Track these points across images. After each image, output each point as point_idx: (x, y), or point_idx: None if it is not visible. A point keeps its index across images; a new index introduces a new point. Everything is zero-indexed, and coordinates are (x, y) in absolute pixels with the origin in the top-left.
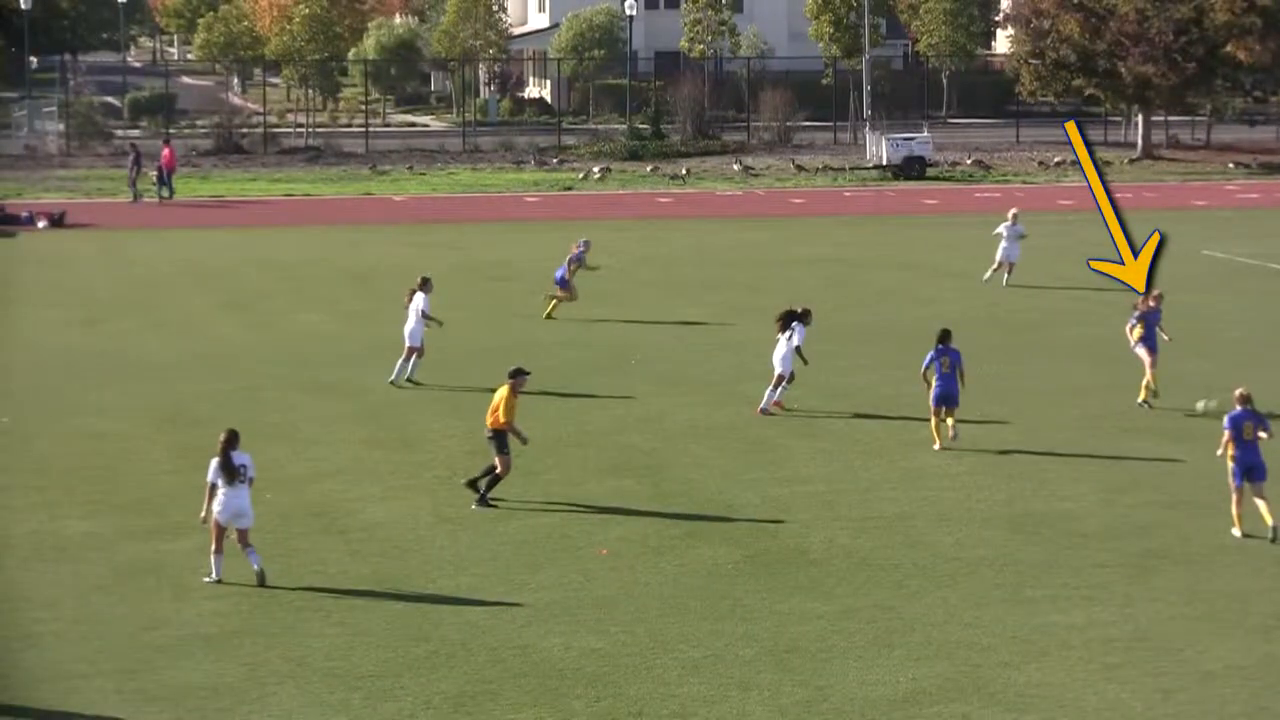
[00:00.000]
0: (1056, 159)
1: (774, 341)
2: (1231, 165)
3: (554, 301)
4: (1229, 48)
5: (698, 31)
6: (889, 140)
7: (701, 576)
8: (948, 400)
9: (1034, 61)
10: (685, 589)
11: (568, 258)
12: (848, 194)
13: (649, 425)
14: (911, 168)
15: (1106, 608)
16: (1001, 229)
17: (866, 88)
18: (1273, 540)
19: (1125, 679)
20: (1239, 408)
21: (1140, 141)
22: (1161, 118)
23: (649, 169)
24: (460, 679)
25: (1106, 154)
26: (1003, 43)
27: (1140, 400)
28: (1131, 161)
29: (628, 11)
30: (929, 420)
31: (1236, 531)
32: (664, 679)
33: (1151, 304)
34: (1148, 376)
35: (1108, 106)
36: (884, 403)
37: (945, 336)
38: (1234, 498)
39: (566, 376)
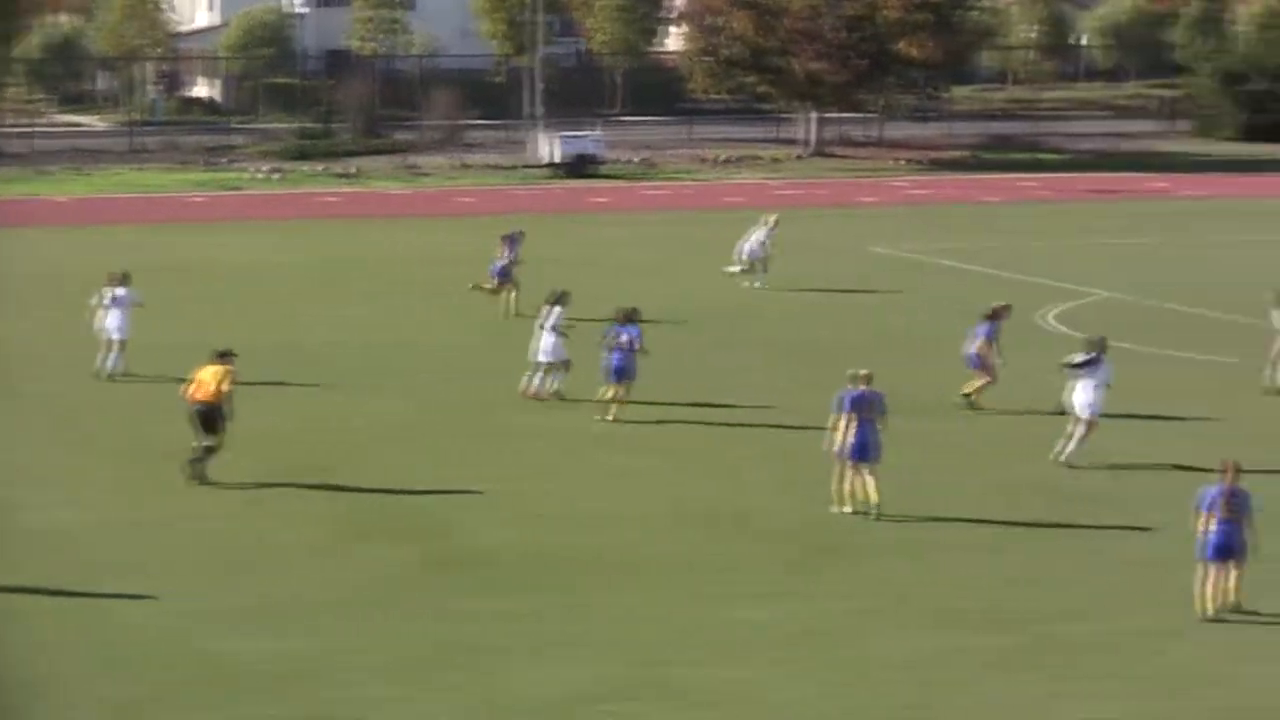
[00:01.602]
0: (723, 156)
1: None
2: (902, 162)
3: (508, 293)
4: (900, 45)
5: (369, 29)
6: (560, 138)
7: (384, 577)
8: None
9: (706, 59)
10: (368, 590)
11: (503, 252)
12: (518, 192)
13: (329, 425)
14: (582, 166)
15: (784, 603)
16: (758, 234)
17: (539, 86)
18: (876, 518)
19: (802, 674)
20: (859, 388)
21: (812, 139)
22: (833, 115)
23: (320, 168)
24: (134, 685)
25: (778, 151)
26: (675, 40)
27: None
28: (802, 158)
29: (298, 9)
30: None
31: (836, 509)
32: (346, 681)
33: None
34: (978, 383)
35: (780, 104)
36: (581, 400)
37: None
38: (840, 473)
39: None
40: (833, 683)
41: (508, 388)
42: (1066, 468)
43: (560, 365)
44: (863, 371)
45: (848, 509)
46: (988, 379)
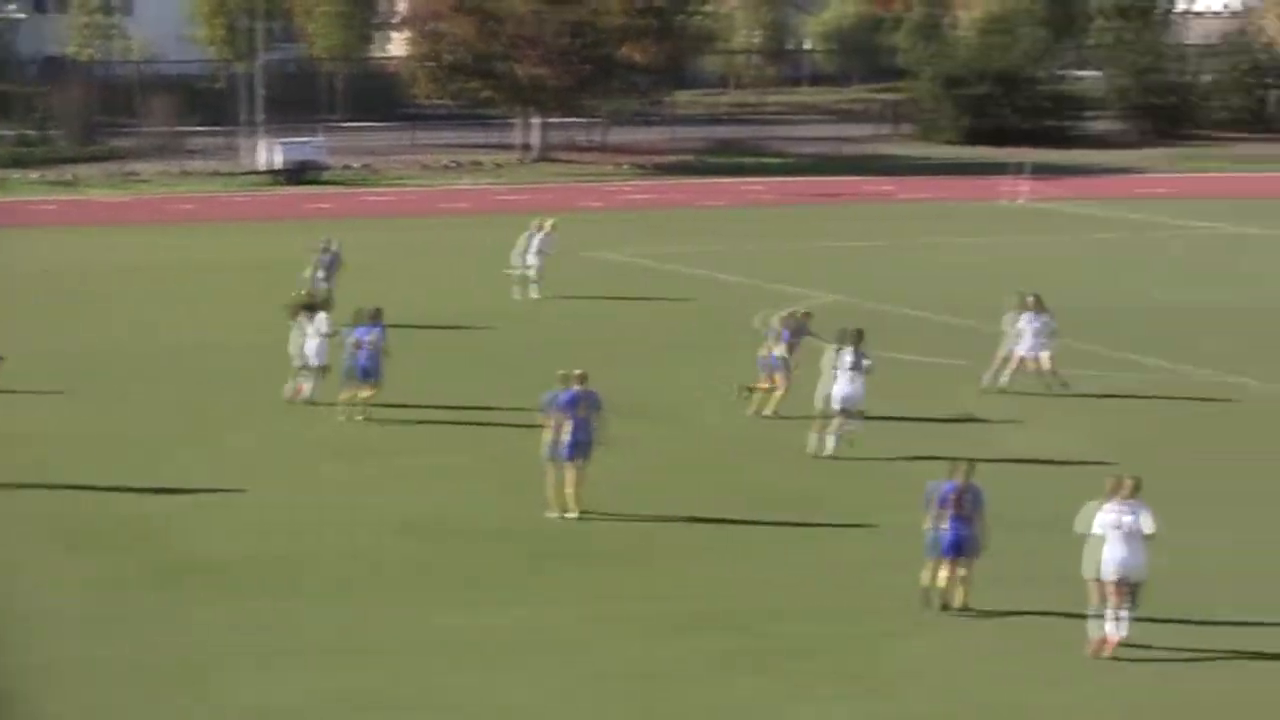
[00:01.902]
0: (446, 162)
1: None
2: (625, 166)
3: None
4: (623, 50)
5: (85, 35)
6: (281, 145)
7: (97, 590)
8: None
9: (429, 64)
10: (83, 604)
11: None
12: (239, 199)
13: (27, 438)
14: (304, 172)
15: (514, 609)
16: (534, 240)
17: (259, 92)
18: (578, 517)
19: (533, 679)
20: (573, 388)
21: (535, 144)
22: (557, 120)
23: (35, 176)
24: None
25: (501, 156)
26: (397, 46)
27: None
28: (525, 163)
29: (13, 15)
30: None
31: (551, 513)
32: (64, 696)
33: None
34: (780, 391)
35: (503, 109)
36: (294, 408)
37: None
38: (555, 475)
39: None
40: (565, 688)
41: (245, 394)
42: (821, 458)
43: (322, 370)
44: (576, 371)
45: (554, 514)
46: (782, 385)
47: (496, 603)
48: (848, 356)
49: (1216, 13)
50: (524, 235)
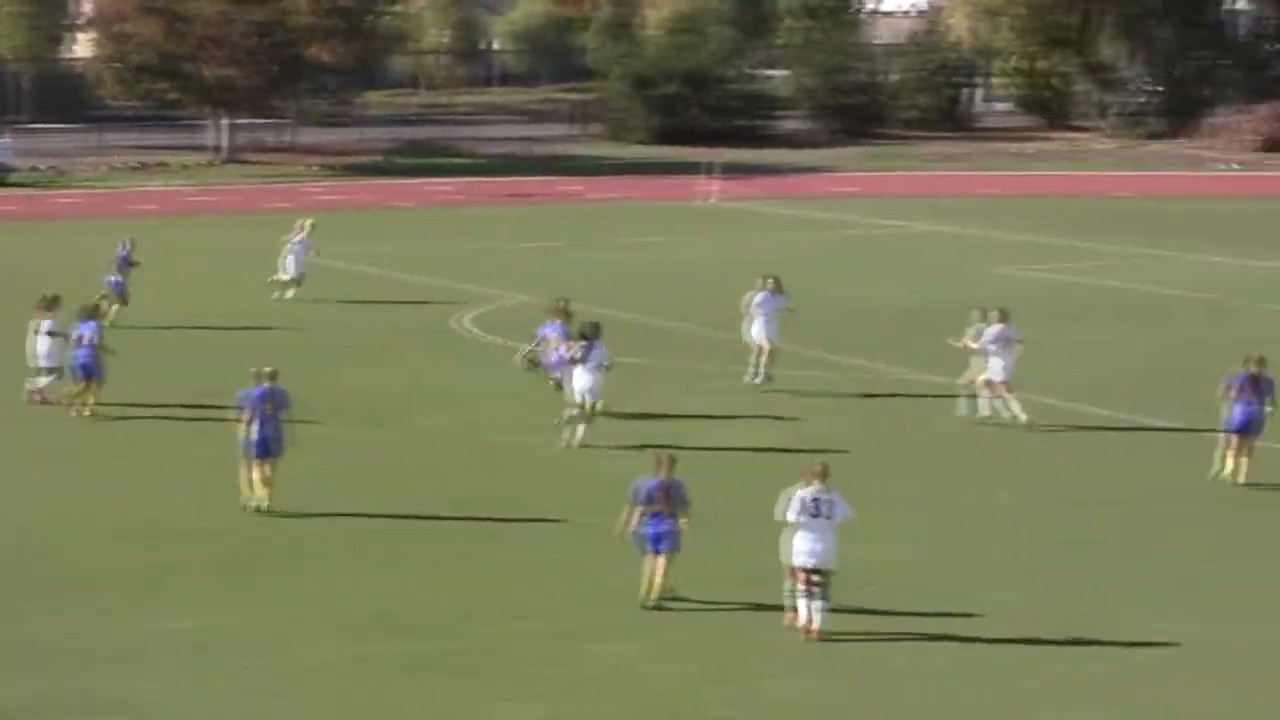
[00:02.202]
0: (135, 163)
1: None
2: (315, 167)
3: (114, 307)
4: (311, 50)
5: None
6: None
7: None
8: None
9: (115, 65)
10: None
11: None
12: None
13: None
14: None
15: (208, 612)
16: (296, 241)
17: None
18: (260, 511)
19: (225, 683)
20: (263, 385)
21: (224, 145)
22: (245, 121)
23: None
24: None
25: (190, 158)
26: (84, 46)
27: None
28: (214, 165)
29: None
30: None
31: (244, 500)
32: None
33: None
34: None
35: (191, 110)
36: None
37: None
38: (247, 471)
39: None
40: (256, 690)
41: None
42: (575, 448)
43: (53, 370)
44: (267, 369)
45: (252, 503)
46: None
47: (192, 605)
48: (590, 350)
49: (905, 12)
50: (290, 236)
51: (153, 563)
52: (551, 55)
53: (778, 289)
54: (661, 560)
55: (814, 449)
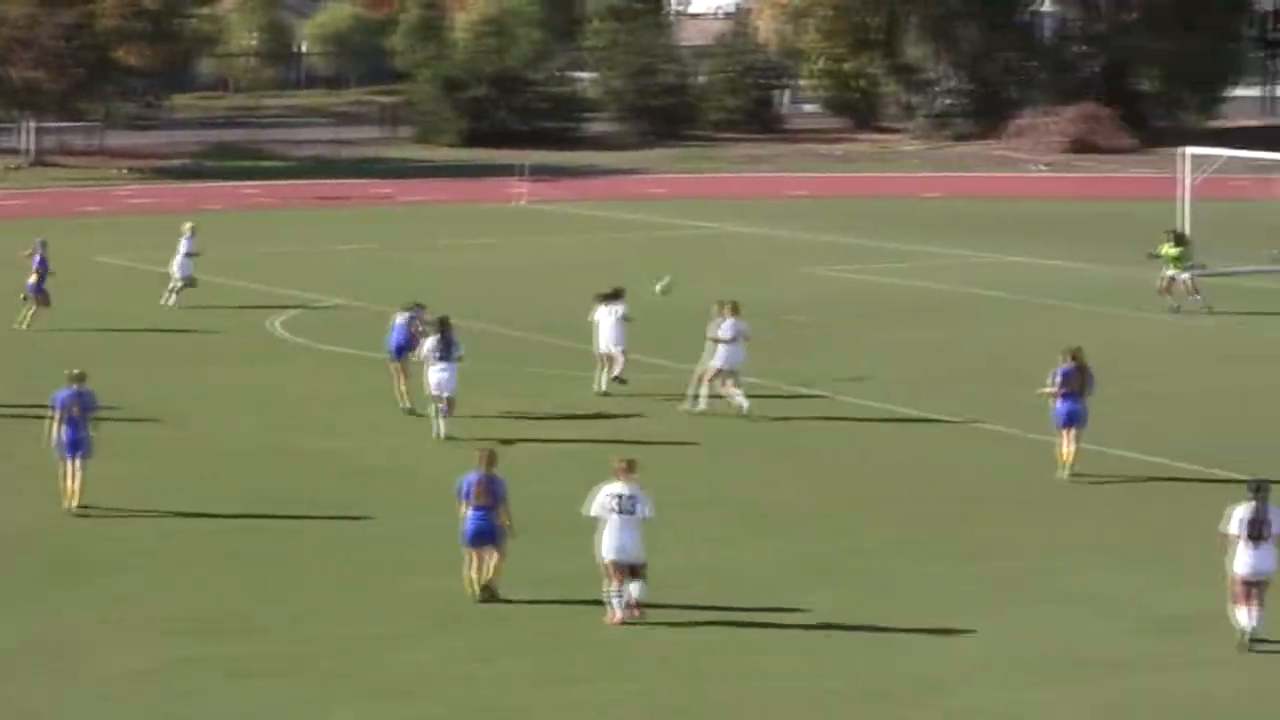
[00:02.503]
0: None
1: None
2: (124, 171)
3: (30, 312)
4: (119, 52)
5: None
6: None
7: None
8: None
9: None
10: None
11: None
12: None
13: None
14: None
15: (18, 617)
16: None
17: None
18: (77, 513)
19: (35, 688)
20: (72, 386)
21: (32, 148)
22: (53, 124)
23: None
24: None
25: None
26: None
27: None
28: (22, 168)
29: None
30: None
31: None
32: None
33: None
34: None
35: None
36: None
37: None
38: (62, 470)
39: None
40: (71, 694)
41: None
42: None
43: None
44: (75, 371)
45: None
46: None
47: (10, 610)
48: (443, 344)
49: (713, 14)
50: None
51: None
52: (360, 58)
53: (616, 297)
54: (482, 554)
55: (633, 443)
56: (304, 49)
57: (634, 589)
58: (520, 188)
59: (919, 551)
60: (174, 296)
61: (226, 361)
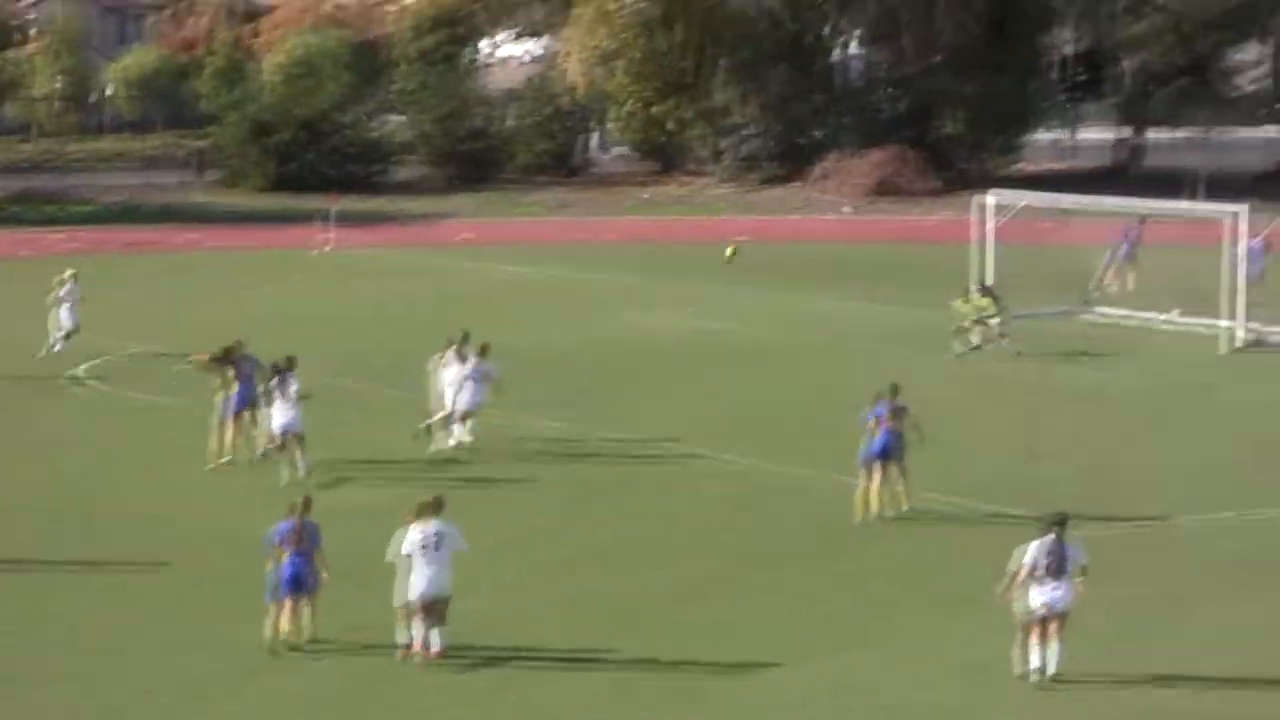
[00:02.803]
0: None
1: None
2: None
3: None
4: None
5: None
6: None
7: None
8: None
9: None
10: None
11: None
12: None
13: None
14: None
15: None
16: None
17: None
18: None
19: None
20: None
21: None
22: None
23: None
24: None
25: None
26: None
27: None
28: None
29: None
30: None
31: None
32: None
33: None
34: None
35: None
36: None
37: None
38: None
39: None
40: None
41: None
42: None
43: None
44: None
45: None
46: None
47: None
48: (285, 385)
49: (520, 59)
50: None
51: None
52: (165, 101)
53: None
54: (298, 603)
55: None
56: (109, 92)
57: (435, 637)
58: (327, 233)
59: (729, 592)
60: (59, 345)
61: (24, 410)
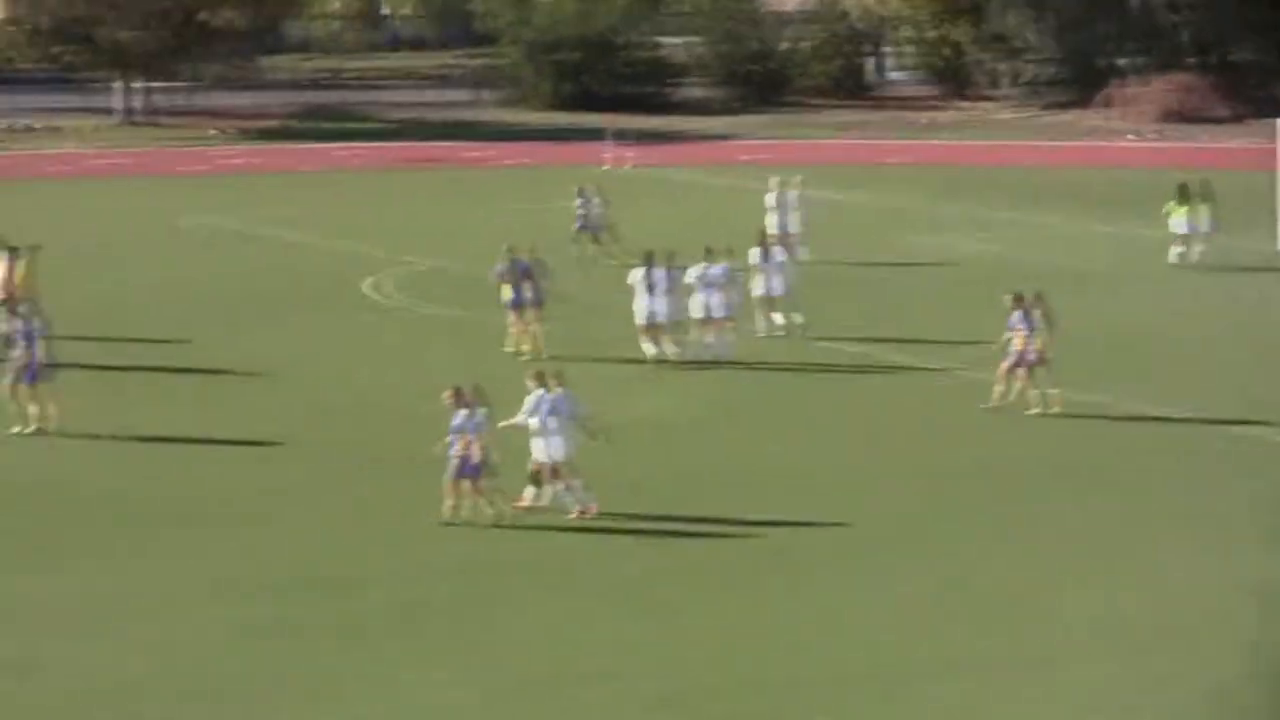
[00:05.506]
0: (37, 126)
1: None
2: (214, 131)
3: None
4: (208, 13)
5: None
6: None
7: None
8: None
9: (10, 28)
10: None
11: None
12: None
13: None
14: None
15: (109, 573)
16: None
17: None
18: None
19: (119, 644)
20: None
21: (125, 108)
22: (145, 84)
23: None
24: None
25: (89, 121)
26: None
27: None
28: (115, 128)
29: None
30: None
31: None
32: None
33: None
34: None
35: (91, 72)
36: None
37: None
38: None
39: None
40: (179, 652)
41: None
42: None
43: None
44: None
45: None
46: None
47: (84, 567)
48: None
49: None
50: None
51: (32, 525)
52: (447, 20)
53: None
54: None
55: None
56: (391, 11)
57: (584, 496)
58: (622, 151)
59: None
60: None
61: (319, 322)
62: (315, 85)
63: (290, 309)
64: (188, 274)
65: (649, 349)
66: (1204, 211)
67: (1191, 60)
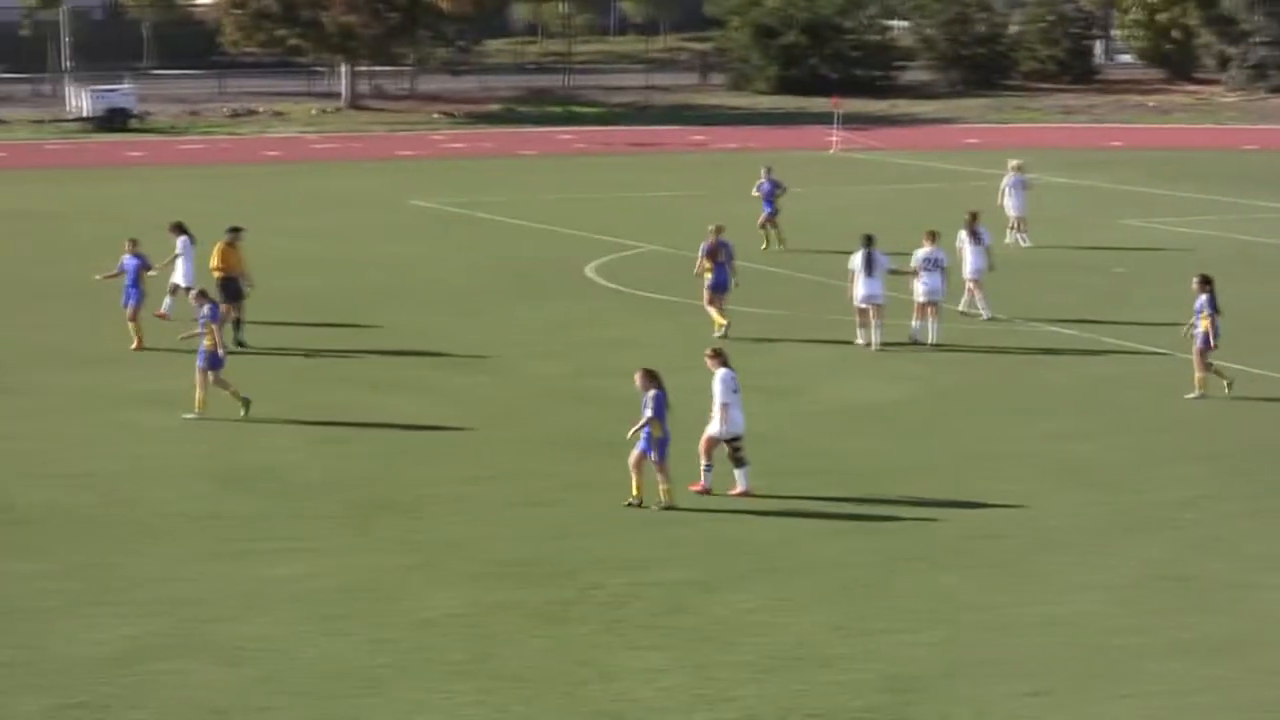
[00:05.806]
0: (261, 110)
1: None
2: (437, 115)
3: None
4: None
5: None
6: (90, 92)
7: None
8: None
9: (236, 12)
10: None
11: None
12: (52, 146)
13: None
14: (114, 120)
15: (325, 559)
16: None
17: (66, 39)
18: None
19: (344, 630)
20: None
21: (345, 92)
22: (368, 68)
23: None
24: None
25: (313, 105)
26: None
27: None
28: (337, 111)
29: None
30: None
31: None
32: None
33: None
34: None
35: (313, 57)
36: (83, 359)
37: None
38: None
39: None
40: (382, 637)
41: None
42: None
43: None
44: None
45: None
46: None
47: (312, 551)
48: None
49: None
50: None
51: (255, 509)
52: (672, 4)
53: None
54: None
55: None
56: None
57: (742, 476)
58: (836, 135)
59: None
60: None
61: (542, 307)
62: (538, 69)
63: (516, 295)
64: (413, 258)
65: (861, 333)
66: None
67: None
